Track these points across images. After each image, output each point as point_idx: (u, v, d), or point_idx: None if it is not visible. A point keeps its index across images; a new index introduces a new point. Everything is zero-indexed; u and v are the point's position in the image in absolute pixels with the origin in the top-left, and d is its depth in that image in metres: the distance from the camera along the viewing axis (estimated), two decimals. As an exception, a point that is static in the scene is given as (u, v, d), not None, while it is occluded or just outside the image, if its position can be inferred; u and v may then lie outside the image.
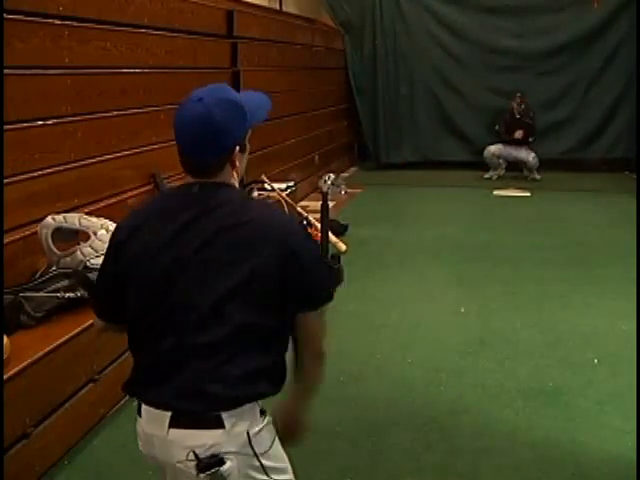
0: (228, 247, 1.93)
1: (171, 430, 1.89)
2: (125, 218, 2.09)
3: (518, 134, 10.82)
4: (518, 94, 10.88)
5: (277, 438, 2.07)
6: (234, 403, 1.90)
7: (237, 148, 2.00)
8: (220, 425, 1.88)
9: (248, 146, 2.09)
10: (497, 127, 11.12)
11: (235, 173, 2.05)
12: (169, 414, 1.89)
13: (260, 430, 1.96)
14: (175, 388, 1.90)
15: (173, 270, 1.94)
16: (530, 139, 10.90)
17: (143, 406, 1.96)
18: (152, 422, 1.93)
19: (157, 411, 1.91)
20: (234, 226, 1.95)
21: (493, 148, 11.15)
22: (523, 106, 10.87)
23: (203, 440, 1.88)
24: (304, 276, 1.99)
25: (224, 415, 1.88)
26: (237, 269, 1.92)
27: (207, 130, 1.95)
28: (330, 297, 2.16)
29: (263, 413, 1.99)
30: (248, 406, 1.93)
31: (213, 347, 1.91)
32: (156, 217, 2.03)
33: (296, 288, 1.99)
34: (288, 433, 2.22)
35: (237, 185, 2.10)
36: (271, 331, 2.00)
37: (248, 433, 1.92)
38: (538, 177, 10.98)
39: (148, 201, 2.22)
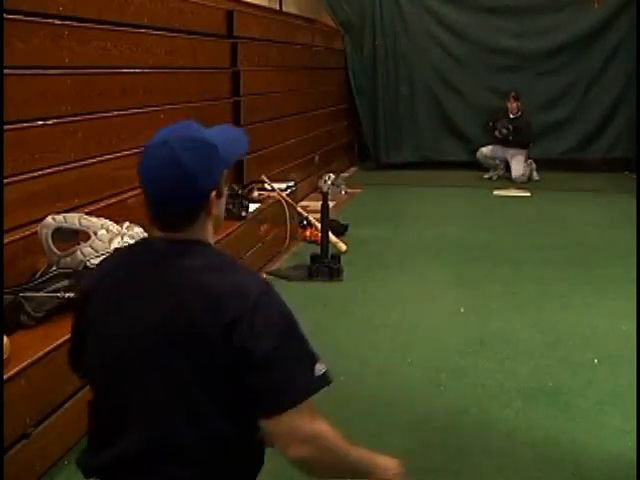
0: (185, 328, 1.69)
1: None
2: (89, 275, 1.93)
3: (498, 133, 10.85)
4: (512, 94, 10.87)
5: None
6: None
7: (213, 194, 1.76)
8: None
9: (226, 190, 1.86)
10: (491, 124, 11.08)
11: (211, 223, 1.82)
12: None
13: None
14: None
15: (123, 350, 1.74)
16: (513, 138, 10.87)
17: None
18: None
19: None
20: (197, 300, 1.69)
21: (485, 150, 11.17)
22: (518, 111, 10.85)
23: None
24: (265, 370, 1.69)
25: None
26: (192, 357, 1.69)
27: (176, 177, 1.69)
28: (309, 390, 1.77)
29: None
30: None
31: (183, 445, 1.72)
32: (112, 282, 1.82)
33: (257, 384, 1.70)
34: None
35: (212, 237, 1.85)
36: (232, 435, 1.75)
37: None
38: (537, 177, 10.97)
39: (110, 259, 1.99)
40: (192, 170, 1.70)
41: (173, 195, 1.71)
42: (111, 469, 1.77)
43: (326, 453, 1.78)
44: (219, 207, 1.82)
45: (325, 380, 1.79)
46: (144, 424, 1.73)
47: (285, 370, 1.71)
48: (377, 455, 2.01)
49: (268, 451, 1.91)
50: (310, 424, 1.74)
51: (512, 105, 10.85)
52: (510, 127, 10.79)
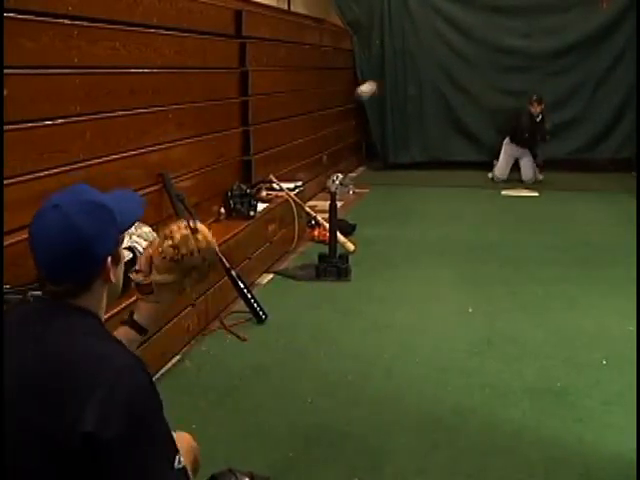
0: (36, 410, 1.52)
1: None
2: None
3: (528, 134, 10.81)
4: (534, 97, 10.71)
5: None
6: None
7: (109, 260, 1.68)
8: None
9: (123, 255, 1.78)
10: (527, 135, 10.91)
11: (107, 291, 1.73)
12: None
13: None
14: None
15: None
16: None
17: None
18: None
19: None
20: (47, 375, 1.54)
21: (498, 173, 11.07)
22: (540, 113, 10.79)
23: None
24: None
25: None
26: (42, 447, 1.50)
27: (69, 242, 1.61)
28: None
29: None
30: None
31: None
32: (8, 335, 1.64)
33: None
34: None
35: (103, 308, 1.74)
36: None
37: None
38: (541, 177, 10.96)
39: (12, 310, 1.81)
40: (86, 234, 1.62)
41: (66, 261, 1.62)
42: None
43: None
44: (116, 273, 1.73)
45: (184, 474, 1.62)
46: None
47: (142, 467, 1.54)
48: None
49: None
50: None
51: (536, 109, 10.76)
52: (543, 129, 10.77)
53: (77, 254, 1.62)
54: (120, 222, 1.72)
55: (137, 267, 2.19)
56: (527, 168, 10.87)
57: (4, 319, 1.71)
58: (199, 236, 2.20)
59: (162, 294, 2.15)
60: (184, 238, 2.15)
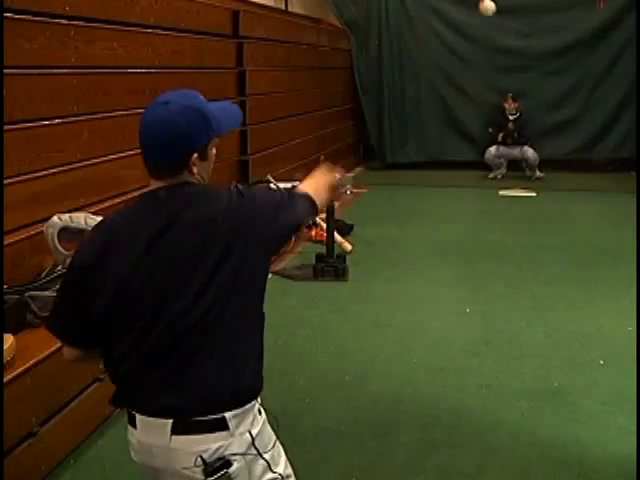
0: (204, 245, 1.94)
1: (174, 437, 1.87)
2: (89, 237, 2.08)
3: (500, 137, 10.92)
4: (510, 94, 10.91)
5: (272, 433, 2.09)
6: (237, 403, 1.93)
7: (195, 155, 1.99)
8: (224, 427, 1.89)
9: (211, 155, 2.08)
10: (490, 130, 11.12)
11: (194, 179, 2.04)
12: (170, 421, 1.87)
13: (261, 429, 1.99)
14: (176, 394, 1.89)
15: (156, 282, 1.92)
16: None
17: (138, 416, 1.92)
18: (150, 431, 1.90)
19: (156, 420, 1.88)
20: (204, 223, 1.97)
21: (493, 149, 11.17)
22: (517, 111, 10.89)
23: (209, 444, 1.87)
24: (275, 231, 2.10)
25: (227, 416, 1.89)
26: (221, 265, 1.93)
27: (168, 134, 1.97)
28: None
29: (260, 411, 2.04)
30: (249, 405, 1.97)
31: (210, 348, 1.92)
32: (126, 232, 2.00)
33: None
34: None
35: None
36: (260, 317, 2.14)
37: (251, 433, 1.94)
38: (541, 175, 10.97)
39: (114, 215, 2.15)
40: (180, 131, 1.96)
41: (162, 147, 1.98)
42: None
43: None
44: (203, 168, 2.04)
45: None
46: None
47: (288, 207, 2.19)
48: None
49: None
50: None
51: (510, 106, 10.85)
52: (516, 126, 10.84)
53: (170, 143, 1.97)
54: (215, 128, 2.04)
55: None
56: (530, 152, 10.90)
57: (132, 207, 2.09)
58: None
59: None
60: None
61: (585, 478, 3.25)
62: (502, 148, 11.09)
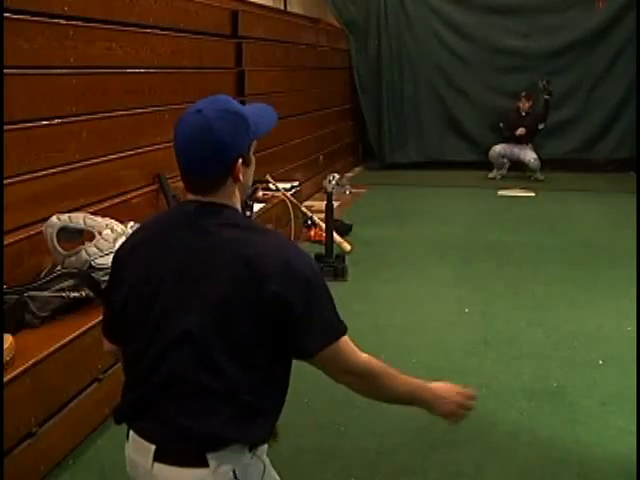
0: (224, 280, 1.81)
1: (155, 464, 1.82)
2: (128, 238, 2.06)
3: (520, 131, 10.83)
4: (523, 93, 10.88)
5: (269, 468, 1.97)
6: (221, 444, 1.81)
7: (240, 161, 1.88)
8: (204, 464, 1.80)
9: (253, 159, 1.96)
10: (501, 124, 11.13)
11: (238, 189, 1.93)
12: (153, 447, 1.82)
13: (247, 467, 1.86)
14: (160, 422, 1.83)
15: (163, 300, 1.85)
16: (540, 126, 10.93)
17: (131, 432, 1.89)
18: (137, 451, 1.87)
19: (142, 441, 1.85)
20: (232, 255, 1.83)
21: (498, 148, 11.17)
22: (531, 110, 10.88)
23: (189, 478, 1.81)
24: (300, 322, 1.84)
25: (209, 455, 1.80)
26: (224, 301, 1.81)
27: (207, 143, 1.83)
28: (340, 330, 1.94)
29: (253, 447, 1.88)
30: (236, 446, 1.83)
31: (205, 384, 1.82)
32: (150, 240, 1.96)
33: (294, 331, 1.85)
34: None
35: (239, 203, 1.97)
36: (266, 368, 1.88)
37: (234, 472, 1.83)
38: (541, 177, 10.97)
39: (148, 220, 2.09)
40: (222, 137, 1.83)
41: (203, 159, 1.85)
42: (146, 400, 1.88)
43: (369, 383, 2.00)
44: (246, 175, 1.93)
45: (346, 325, 1.96)
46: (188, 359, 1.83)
47: (323, 311, 1.88)
48: (432, 385, 2.15)
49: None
50: (353, 357, 1.95)
51: (524, 105, 10.85)
52: (530, 124, 10.85)
53: (213, 154, 1.84)
54: (254, 130, 1.91)
55: None
56: (531, 152, 10.90)
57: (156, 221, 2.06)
58: None
59: None
60: None
61: (585, 478, 3.25)
62: (507, 147, 11.08)
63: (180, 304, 1.84)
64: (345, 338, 1.92)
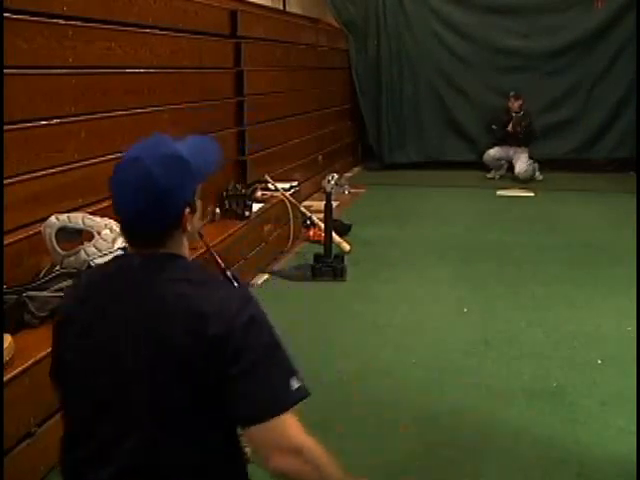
0: (167, 344, 1.67)
1: None
2: (67, 294, 1.92)
3: (511, 127, 10.87)
4: (512, 93, 10.93)
5: None
6: None
7: (187, 210, 1.75)
8: None
9: (199, 205, 1.82)
10: (494, 127, 11.12)
11: (186, 238, 1.81)
12: None
13: None
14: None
15: (111, 372, 1.72)
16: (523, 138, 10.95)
17: None
18: None
19: None
20: (177, 315, 1.68)
21: (492, 151, 11.18)
22: (520, 110, 10.91)
23: None
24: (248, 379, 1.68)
25: None
26: (174, 373, 1.67)
27: (149, 194, 1.68)
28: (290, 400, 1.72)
29: None
30: None
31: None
32: (90, 304, 1.79)
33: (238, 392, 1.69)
34: None
35: (188, 251, 1.85)
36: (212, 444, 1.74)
37: None
38: (540, 177, 10.97)
39: (89, 274, 1.96)
40: (164, 186, 1.69)
41: (146, 212, 1.71)
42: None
43: (309, 468, 1.76)
44: (193, 223, 1.80)
45: (305, 392, 1.76)
46: (125, 437, 1.72)
47: (270, 380, 1.70)
48: None
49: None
50: (296, 435, 1.71)
51: (514, 105, 10.88)
52: (523, 124, 10.86)
53: (155, 206, 1.70)
54: (197, 173, 1.78)
55: None
56: (521, 162, 10.89)
57: (97, 273, 1.94)
58: None
59: None
60: None
61: (584, 478, 3.25)
62: (501, 150, 11.09)
63: (129, 377, 1.70)
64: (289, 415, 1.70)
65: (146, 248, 1.76)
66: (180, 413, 1.69)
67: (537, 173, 11.00)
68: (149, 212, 1.71)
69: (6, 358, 3.08)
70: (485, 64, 11.58)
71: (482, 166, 11.36)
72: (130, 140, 5.17)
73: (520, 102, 10.87)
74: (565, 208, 9.02)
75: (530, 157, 10.98)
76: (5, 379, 2.98)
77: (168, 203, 1.71)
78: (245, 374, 1.66)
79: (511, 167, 11.10)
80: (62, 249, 3.89)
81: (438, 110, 11.94)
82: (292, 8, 10.01)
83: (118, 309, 1.73)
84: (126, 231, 1.77)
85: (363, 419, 3.76)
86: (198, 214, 1.83)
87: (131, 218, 1.74)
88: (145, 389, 1.69)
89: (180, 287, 1.71)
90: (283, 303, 5.47)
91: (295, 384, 1.74)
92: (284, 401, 1.70)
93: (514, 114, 10.90)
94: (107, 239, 3.96)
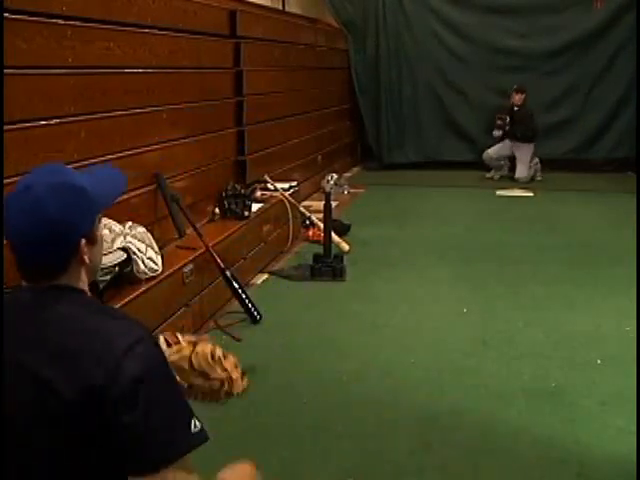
0: (45, 393, 1.54)
1: None
2: None
3: (495, 127, 10.99)
4: (515, 86, 10.94)
5: None
6: None
7: (83, 241, 1.65)
8: None
9: (100, 236, 1.74)
10: (499, 122, 11.09)
11: (85, 271, 1.70)
12: None
13: None
14: None
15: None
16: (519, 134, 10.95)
17: None
18: None
19: None
20: (55, 359, 1.55)
21: (491, 151, 11.18)
22: (521, 103, 10.93)
23: None
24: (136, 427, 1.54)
25: None
26: (52, 423, 1.54)
27: (40, 226, 1.59)
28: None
29: None
30: None
31: None
32: None
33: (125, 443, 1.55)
34: None
35: (87, 285, 1.73)
36: None
37: None
38: (539, 178, 10.97)
39: None
40: (56, 216, 1.60)
41: (39, 244, 1.62)
42: None
43: None
44: (93, 254, 1.71)
45: (203, 437, 1.64)
46: None
47: (160, 427, 1.56)
48: None
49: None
50: None
51: (514, 98, 10.90)
52: (506, 117, 10.87)
53: (48, 238, 1.61)
54: (97, 202, 1.70)
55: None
56: (522, 165, 10.88)
57: None
58: (215, 384, 2.22)
59: None
60: (207, 388, 2.22)
61: (584, 478, 3.25)
62: (500, 149, 11.08)
63: (11, 424, 1.58)
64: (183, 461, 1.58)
65: (39, 281, 1.66)
66: (60, 466, 1.57)
67: (538, 174, 10.99)
68: (41, 242, 1.61)
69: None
70: (484, 64, 11.60)
71: (481, 166, 11.36)
72: (130, 140, 5.19)
73: (521, 96, 10.87)
74: (565, 208, 9.02)
75: (535, 154, 10.98)
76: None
77: (61, 234, 1.62)
78: (133, 424, 1.53)
79: (513, 167, 11.10)
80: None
81: (437, 110, 11.95)
82: (291, 8, 10.01)
83: (7, 348, 1.60)
84: (18, 263, 1.66)
85: (362, 419, 3.75)
86: (100, 246, 1.76)
87: (22, 249, 1.64)
88: (23, 439, 1.57)
89: (65, 325, 1.61)
90: (282, 303, 5.47)
91: (194, 426, 1.63)
92: (178, 449, 1.58)
93: (515, 108, 10.89)
94: (106, 239, 3.96)
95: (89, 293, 1.75)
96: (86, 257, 1.67)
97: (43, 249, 1.62)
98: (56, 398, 1.52)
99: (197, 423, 1.63)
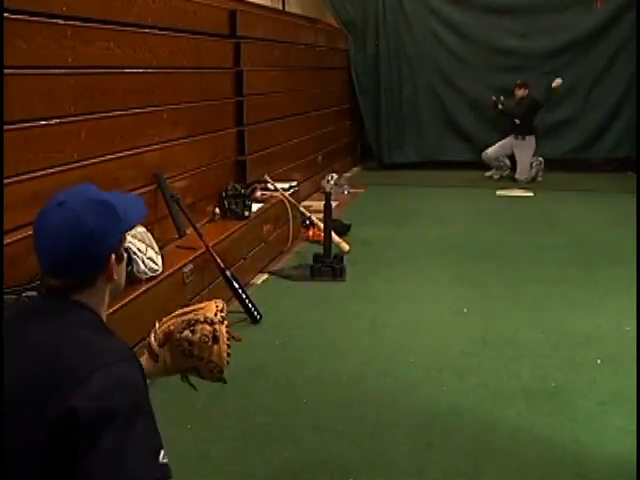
0: (29, 409, 1.53)
1: None
2: None
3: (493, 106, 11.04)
4: (518, 81, 10.96)
5: None
6: None
7: (113, 257, 1.70)
8: None
9: (125, 255, 1.79)
10: (500, 105, 11.09)
11: (109, 289, 1.74)
12: None
13: None
14: None
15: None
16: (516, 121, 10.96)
17: None
18: None
19: None
20: (39, 376, 1.55)
21: (491, 151, 11.17)
22: (525, 98, 10.95)
23: None
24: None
25: None
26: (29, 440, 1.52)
27: (74, 237, 1.62)
28: None
29: None
30: None
31: None
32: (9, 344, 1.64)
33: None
34: None
35: (105, 305, 1.76)
36: None
37: None
38: (540, 178, 10.97)
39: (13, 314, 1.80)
40: (91, 231, 1.64)
41: (70, 257, 1.64)
42: None
43: None
44: (119, 272, 1.75)
45: (168, 470, 1.58)
46: None
47: (129, 458, 1.52)
48: None
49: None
50: None
51: (518, 92, 10.91)
52: (501, 97, 10.96)
53: (81, 250, 1.64)
54: (124, 221, 1.73)
55: (156, 329, 2.23)
56: (523, 165, 10.87)
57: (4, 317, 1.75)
58: (216, 348, 2.23)
59: (161, 370, 2.21)
60: (203, 344, 2.19)
61: (583, 478, 3.25)
62: (500, 148, 11.08)
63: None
64: None
65: (65, 294, 1.68)
66: None
67: (540, 174, 10.98)
68: (74, 258, 1.64)
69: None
70: (484, 64, 11.61)
71: (481, 166, 11.36)
72: (130, 140, 5.20)
73: (524, 90, 10.87)
74: (565, 208, 9.03)
75: (536, 152, 10.97)
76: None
77: (94, 249, 1.66)
78: (103, 453, 1.49)
79: (513, 167, 11.09)
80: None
81: (437, 110, 11.96)
82: (291, 8, 10.02)
83: (10, 356, 1.61)
84: (47, 277, 1.68)
85: (362, 419, 3.75)
86: (124, 264, 1.79)
87: (53, 262, 1.66)
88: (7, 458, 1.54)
89: (53, 344, 1.60)
90: (282, 303, 5.47)
91: (162, 458, 1.58)
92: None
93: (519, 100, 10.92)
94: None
95: (106, 313, 1.77)
96: (114, 272, 1.71)
97: (76, 261, 1.65)
98: (30, 416, 1.51)
99: (164, 455, 1.58)
